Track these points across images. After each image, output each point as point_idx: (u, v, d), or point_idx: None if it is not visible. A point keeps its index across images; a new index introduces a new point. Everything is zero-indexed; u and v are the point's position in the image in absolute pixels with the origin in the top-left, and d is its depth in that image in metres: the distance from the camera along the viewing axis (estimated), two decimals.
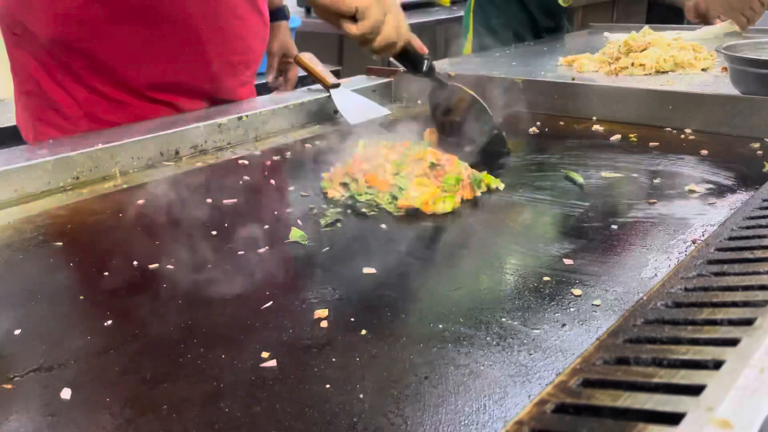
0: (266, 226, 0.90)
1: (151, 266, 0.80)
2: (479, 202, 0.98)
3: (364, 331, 0.64)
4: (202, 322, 0.67)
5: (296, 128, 1.41)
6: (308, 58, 1.49)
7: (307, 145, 1.28)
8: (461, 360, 0.59)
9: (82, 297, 0.74)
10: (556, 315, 0.66)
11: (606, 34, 2.13)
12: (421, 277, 0.78)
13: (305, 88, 1.53)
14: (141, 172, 1.15)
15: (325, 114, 1.45)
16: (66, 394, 0.56)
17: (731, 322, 0.52)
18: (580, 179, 1.04)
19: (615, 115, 1.38)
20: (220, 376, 0.58)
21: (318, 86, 1.49)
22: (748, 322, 0.51)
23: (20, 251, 0.86)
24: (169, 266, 0.79)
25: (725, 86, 1.42)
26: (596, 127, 1.34)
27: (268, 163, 1.18)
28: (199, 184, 1.04)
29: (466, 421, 0.51)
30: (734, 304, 0.56)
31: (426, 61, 1.17)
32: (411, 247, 0.84)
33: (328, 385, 0.56)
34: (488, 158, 1.14)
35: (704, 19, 2.37)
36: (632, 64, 1.69)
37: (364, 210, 0.95)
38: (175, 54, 1.28)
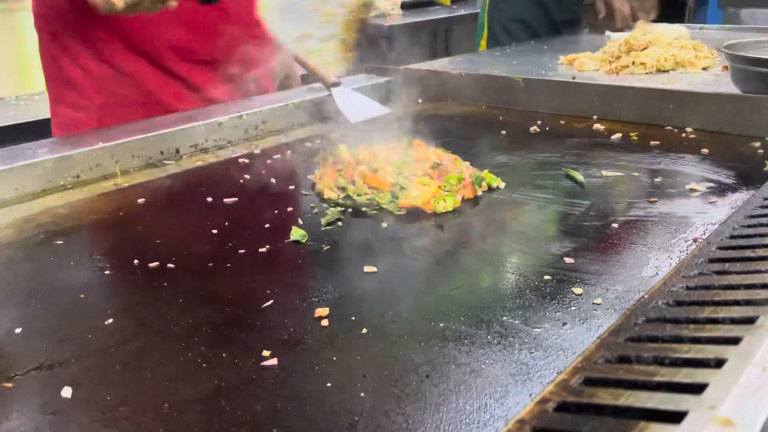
0: (267, 225, 0.90)
1: (152, 265, 0.79)
2: (480, 201, 0.98)
3: (365, 330, 0.64)
4: (202, 320, 0.67)
5: (297, 127, 1.41)
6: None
7: (308, 144, 1.28)
8: (462, 359, 0.59)
9: (82, 295, 0.74)
10: (557, 314, 0.66)
11: (608, 32, 2.13)
12: (422, 276, 0.78)
13: (306, 87, 1.53)
14: (141, 170, 1.14)
15: (325, 113, 1.45)
16: (67, 392, 0.56)
17: (733, 321, 0.52)
18: (580, 178, 1.04)
19: (616, 114, 1.38)
20: (221, 374, 0.58)
21: (318, 85, 1.49)
22: (750, 320, 0.51)
23: (21, 249, 0.86)
24: (170, 265, 0.79)
25: (726, 85, 1.42)
26: (597, 126, 1.34)
27: (269, 161, 1.18)
28: (199, 183, 1.04)
29: (467, 420, 0.51)
30: (736, 303, 0.55)
31: None
32: (412, 246, 0.84)
33: (329, 384, 0.56)
34: None
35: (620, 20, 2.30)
36: (633, 63, 1.69)
37: (364, 209, 0.95)
38: (191, 19, 1.31)
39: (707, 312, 0.55)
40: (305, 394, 0.55)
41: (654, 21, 2.20)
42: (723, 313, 0.54)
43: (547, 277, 0.73)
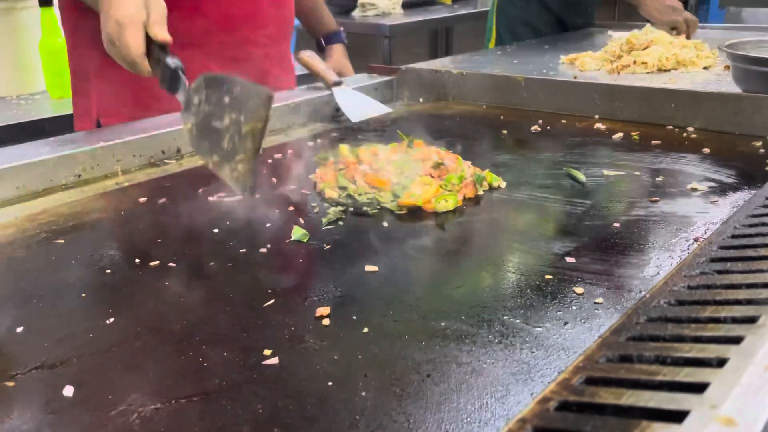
0: (268, 225, 0.90)
1: (153, 264, 0.80)
2: (481, 201, 0.98)
3: (366, 329, 0.64)
4: (204, 319, 0.67)
5: (298, 126, 1.40)
6: (309, 56, 1.49)
7: (309, 143, 1.28)
8: (463, 358, 0.59)
9: (84, 295, 0.74)
10: (558, 313, 0.66)
11: (610, 32, 2.13)
12: (423, 275, 0.78)
13: (307, 87, 1.53)
14: (143, 170, 1.15)
15: (326, 112, 1.45)
16: (68, 391, 0.56)
17: (735, 320, 0.52)
18: (582, 177, 1.04)
19: (617, 113, 1.38)
20: (223, 373, 0.58)
21: (320, 84, 1.49)
22: (752, 320, 0.51)
23: (22, 249, 0.86)
24: (171, 264, 0.79)
25: (727, 84, 1.42)
26: (598, 125, 1.34)
27: (270, 161, 1.18)
28: (200, 182, 1.04)
29: (469, 419, 0.51)
30: (738, 302, 0.55)
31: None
32: (413, 245, 0.84)
33: (330, 383, 0.56)
34: None
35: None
36: (634, 62, 1.69)
37: (365, 208, 0.95)
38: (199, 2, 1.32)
39: (709, 311, 0.55)
40: (306, 393, 0.55)
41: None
42: (724, 312, 0.54)
43: (548, 277, 0.73)
